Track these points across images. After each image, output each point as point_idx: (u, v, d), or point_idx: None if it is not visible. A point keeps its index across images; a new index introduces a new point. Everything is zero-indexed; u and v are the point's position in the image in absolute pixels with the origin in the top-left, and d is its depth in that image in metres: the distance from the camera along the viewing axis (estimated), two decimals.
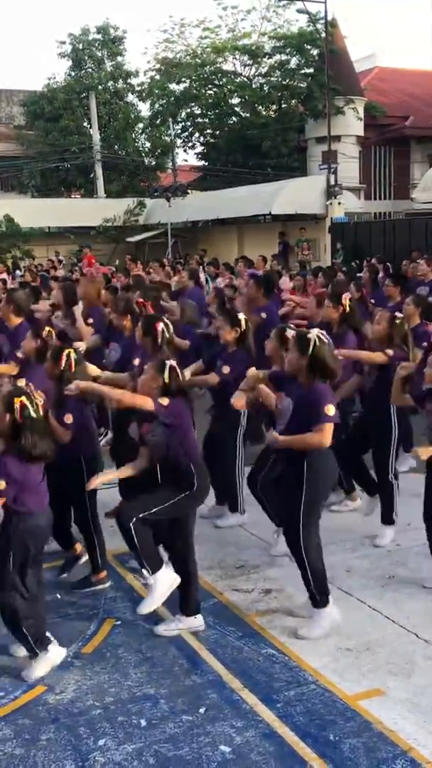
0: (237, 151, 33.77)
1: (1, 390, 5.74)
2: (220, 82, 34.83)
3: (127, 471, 4.82)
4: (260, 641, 4.57)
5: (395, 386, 5.42)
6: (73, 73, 35.83)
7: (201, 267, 17.00)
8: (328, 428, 4.44)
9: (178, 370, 4.64)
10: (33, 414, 4.09)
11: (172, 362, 4.64)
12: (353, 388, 6.16)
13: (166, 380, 4.53)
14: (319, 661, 4.33)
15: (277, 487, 4.87)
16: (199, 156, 37.05)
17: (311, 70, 32.75)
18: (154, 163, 36.22)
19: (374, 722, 3.79)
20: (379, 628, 4.69)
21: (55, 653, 4.30)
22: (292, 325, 5.81)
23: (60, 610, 4.94)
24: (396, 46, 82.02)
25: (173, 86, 34.93)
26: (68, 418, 5.02)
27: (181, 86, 34.78)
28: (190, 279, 11.27)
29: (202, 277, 14.50)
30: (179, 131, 35.98)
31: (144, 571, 4.58)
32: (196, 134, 36.54)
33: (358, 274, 13.34)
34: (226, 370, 6.05)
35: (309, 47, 32.40)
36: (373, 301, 9.77)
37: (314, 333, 4.60)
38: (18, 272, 20.72)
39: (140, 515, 4.45)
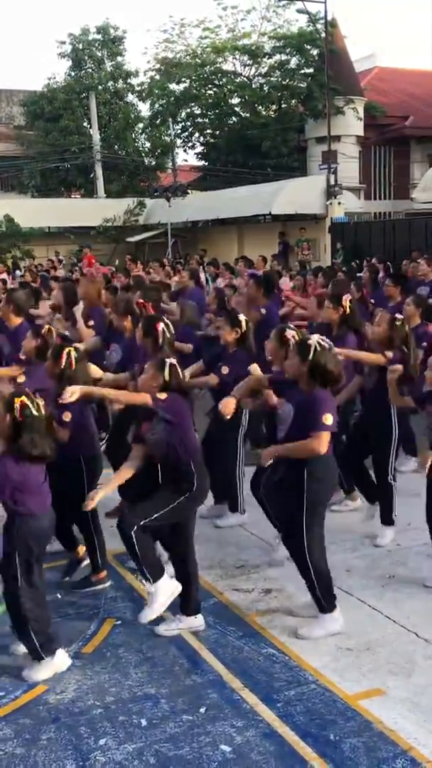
0: (237, 151, 33.79)
1: (2, 391, 5.76)
2: (220, 82, 34.85)
3: (123, 475, 4.79)
4: (260, 641, 4.57)
5: (390, 389, 5.43)
6: (73, 73, 35.85)
7: (201, 267, 17.01)
8: (325, 436, 4.42)
9: (178, 368, 4.63)
10: (34, 414, 4.09)
11: (172, 360, 4.64)
12: (354, 390, 6.16)
13: (167, 378, 4.53)
14: (320, 661, 4.34)
15: (279, 491, 4.86)
16: (199, 156, 37.08)
17: (311, 70, 32.77)
18: (154, 163, 36.24)
19: (374, 722, 3.79)
20: (380, 628, 4.69)
21: (61, 660, 4.28)
22: (292, 326, 5.80)
23: (60, 610, 4.94)
24: (396, 46, 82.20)
25: (173, 86, 34.96)
26: (66, 416, 5.02)
27: (181, 86, 34.81)
28: (190, 279, 11.26)
29: (203, 277, 14.50)
30: (179, 131, 36.00)
31: (144, 581, 4.58)
32: (196, 134, 36.57)
33: (358, 274, 13.34)
34: (225, 370, 6.05)
35: (309, 47, 32.42)
36: (373, 301, 9.77)
37: (314, 339, 4.58)
38: (18, 272, 20.73)
39: (141, 522, 4.44)
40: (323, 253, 24.72)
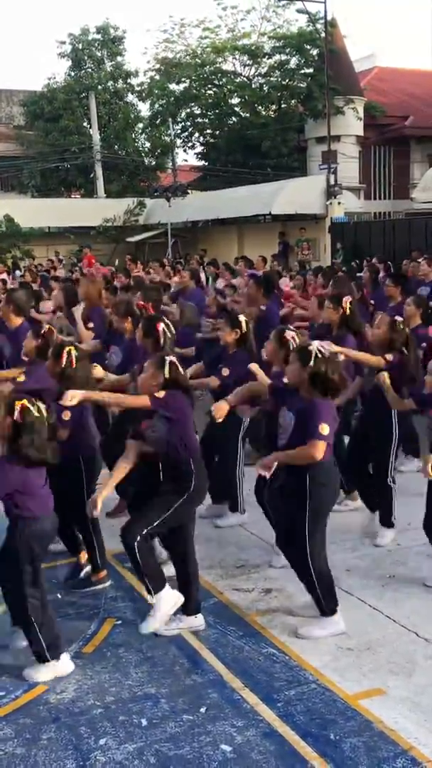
0: (237, 151, 33.80)
1: (2, 391, 5.76)
2: (220, 82, 34.86)
3: (120, 473, 4.77)
4: (261, 641, 4.57)
5: (387, 395, 5.44)
6: (72, 73, 35.87)
7: (201, 267, 17.01)
8: (321, 445, 4.40)
9: (178, 365, 4.62)
10: (35, 417, 4.07)
11: (172, 357, 4.62)
12: (355, 391, 6.15)
13: (167, 376, 4.51)
14: (320, 661, 4.34)
15: (282, 497, 4.84)
16: (199, 156, 37.09)
17: (311, 70, 32.79)
18: (154, 163, 36.24)
19: (375, 721, 3.79)
20: (380, 628, 4.70)
21: (64, 664, 4.26)
22: (291, 327, 5.80)
23: (60, 609, 4.92)
24: (396, 46, 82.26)
25: (173, 86, 34.98)
26: (66, 415, 5.02)
27: (181, 86, 34.83)
28: (191, 279, 11.24)
29: (203, 277, 14.50)
30: (179, 131, 36.02)
31: (145, 592, 4.57)
32: (196, 134, 36.59)
33: (358, 274, 13.33)
34: (225, 372, 6.04)
35: (309, 47, 32.44)
36: (373, 302, 9.75)
37: (315, 345, 4.57)
38: (18, 272, 20.72)
39: (144, 531, 4.44)
40: (323, 253, 24.73)
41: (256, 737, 3.71)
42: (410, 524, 5.87)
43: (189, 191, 31.26)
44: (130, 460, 4.73)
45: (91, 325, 8.04)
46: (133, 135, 36.04)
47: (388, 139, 34.05)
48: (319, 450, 4.39)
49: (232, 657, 4.40)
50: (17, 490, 4.07)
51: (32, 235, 27.59)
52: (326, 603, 4.60)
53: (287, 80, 33.82)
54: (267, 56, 34.15)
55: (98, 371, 5.76)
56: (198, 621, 4.71)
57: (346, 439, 6.59)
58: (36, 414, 4.07)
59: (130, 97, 36.57)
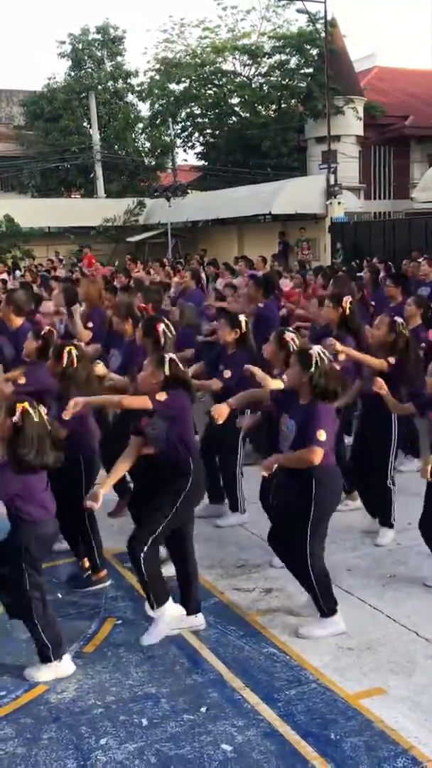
0: (237, 151, 33.79)
1: (2, 390, 5.77)
2: (220, 82, 34.86)
3: (120, 470, 4.77)
4: (261, 640, 4.58)
5: (387, 400, 5.44)
6: (72, 73, 35.88)
7: (201, 267, 17.00)
8: (319, 451, 4.40)
9: (178, 362, 4.60)
10: (35, 420, 4.05)
11: (171, 355, 4.61)
12: (355, 394, 6.15)
13: (167, 373, 4.49)
14: (320, 660, 4.34)
15: (285, 499, 4.83)
16: (199, 156, 37.08)
17: (311, 70, 32.78)
18: (154, 163, 36.25)
19: (375, 721, 3.79)
20: (380, 627, 4.70)
21: (66, 664, 4.27)
22: (291, 329, 5.79)
23: (61, 609, 4.92)
24: (396, 46, 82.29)
25: (173, 86, 34.98)
26: (66, 415, 5.03)
27: (181, 86, 34.82)
28: (191, 279, 11.23)
29: (203, 277, 14.49)
30: (179, 131, 36.01)
31: (147, 605, 4.56)
32: (196, 134, 36.58)
33: (358, 274, 13.32)
34: (227, 374, 6.04)
35: (309, 47, 32.43)
36: (374, 303, 9.73)
37: (316, 350, 4.57)
38: (18, 272, 20.73)
39: (149, 540, 4.42)
40: (323, 253, 24.73)
41: (257, 737, 3.71)
42: (410, 524, 5.86)
43: (189, 191, 31.26)
44: (130, 458, 4.73)
45: (90, 324, 8.04)
46: (133, 135, 36.04)
47: (388, 139, 34.05)
48: (317, 455, 4.40)
49: (233, 657, 4.40)
50: (18, 494, 4.07)
51: (32, 235, 27.58)
52: (325, 603, 4.60)
53: (287, 80, 33.81)
54: (267, 56, 34.14)
55: (100, 369, 5.77)
56: (198, 620, 4.71)
57: (347, 440, 6.60)
58: (36, 419, 4.06)
59: (130, 97, 36.59)
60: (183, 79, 34.32)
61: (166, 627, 4.54)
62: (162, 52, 35.65)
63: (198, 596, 4.76)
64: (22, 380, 5.74)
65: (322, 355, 4.52)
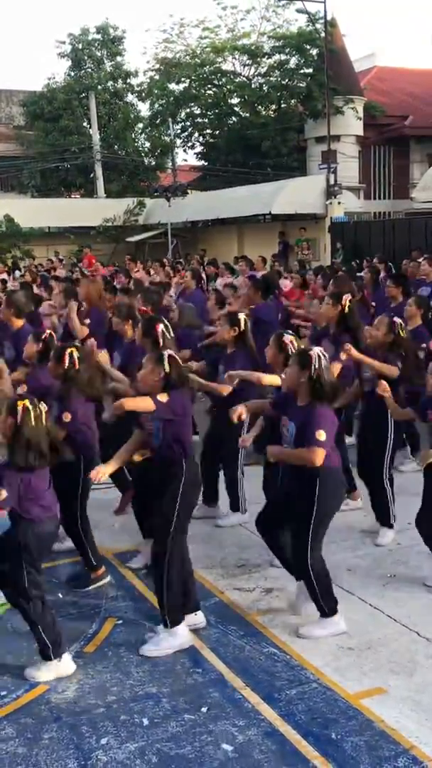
0: (237, 151, 33.78)
1: (3, 390, 5.77)
2: (220, 82, 34.85)
3: (124, 456, 4.75)
4: (262, 640, 4.58)
5: (390, 406, 5.44)
6: (72, 73, 35.87)
7: (201, 267, 17.01)
8: (320, 452, 4.40)
9: (177, 359, 4.58)
10: (35, 420, 4.05)
11: (170, 352, 4.58)
12: (352, 397, 6.15)
13: (167, 370, 4.45)
14: (321, 660, 4.34)
15: (288, 499, 4.83)
16: (199, 156, 37.08)
17: (311, 70, 32.77)
18: (153, 163, 36.24)
19: (376, 721, 3.80)
20: (381, 627, 4.70)
21: (66, 665, 4.27)
22: (290, 331, 5.78)
23: (62, 609, 4.93)
24: (396, 46, 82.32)
25: (173, 86, 34.97)
26: (66, 416, 5.03)
27: (181, 86, 34.82)
28: (192, 279, 11.22)
29: (204, 277, 14.50)
30: (179, 131, 36.01)
31: (161, 627, 4.49)
32: (196, 134, 36.57)
33: (358, 274, 13.32)
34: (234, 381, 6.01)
35: (308, 47, 32.42)
36: (374, 303, 9.72)
37: (316, 351, 4.56)
38: (18, 272, 20.73)
39: (169, 542, 4.39)
40: (323, 253, 24.73)
41: (258, 736, 3.71)
42: (410, 524, 5.85)
43: (189, 191, 31.27)
44: (136, 444, 4.72)
45: (87, 321, 8.04)
46: (133, 135, 36.04)
47: (388, 138, 34.05)
48: (318, 456, 4.40)
49: (233, 656, 4.40)
50: (20, 494, 4.07)
51: (32, 235, 27.59)
52: (325, 603, 4.60)
53: (287, 80, 33.80)
54: (267, 56, 34.13)
55: (103, 357, 5.78)
56: (198, 618, 4.70)
57: (347, 440, 6.60)
58: (36, 417, 4.06)
59: (130, 97, 36.59)
60: (183, 79, 34.32)
61: (169, 648, 4.45)
62: (162, 52, 35.72)
63: (196, 594, 4.76)
64: (24, 388, 5.72)
65: (321, 355, 4.52)
